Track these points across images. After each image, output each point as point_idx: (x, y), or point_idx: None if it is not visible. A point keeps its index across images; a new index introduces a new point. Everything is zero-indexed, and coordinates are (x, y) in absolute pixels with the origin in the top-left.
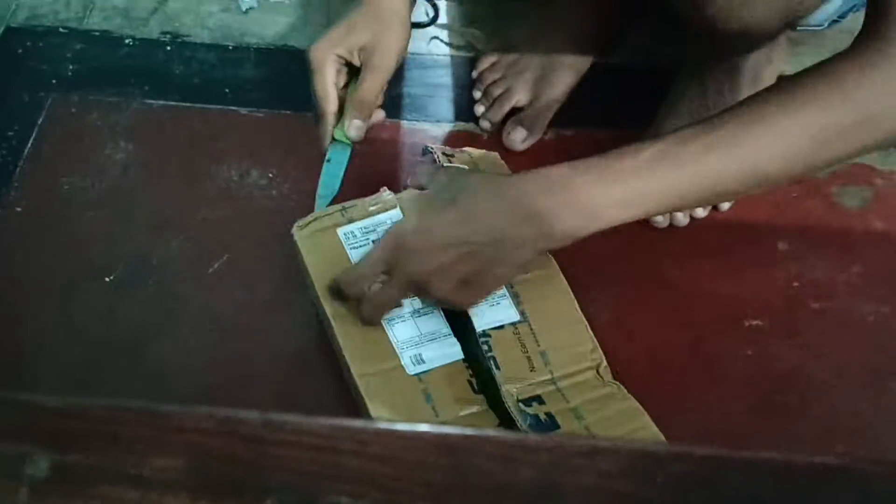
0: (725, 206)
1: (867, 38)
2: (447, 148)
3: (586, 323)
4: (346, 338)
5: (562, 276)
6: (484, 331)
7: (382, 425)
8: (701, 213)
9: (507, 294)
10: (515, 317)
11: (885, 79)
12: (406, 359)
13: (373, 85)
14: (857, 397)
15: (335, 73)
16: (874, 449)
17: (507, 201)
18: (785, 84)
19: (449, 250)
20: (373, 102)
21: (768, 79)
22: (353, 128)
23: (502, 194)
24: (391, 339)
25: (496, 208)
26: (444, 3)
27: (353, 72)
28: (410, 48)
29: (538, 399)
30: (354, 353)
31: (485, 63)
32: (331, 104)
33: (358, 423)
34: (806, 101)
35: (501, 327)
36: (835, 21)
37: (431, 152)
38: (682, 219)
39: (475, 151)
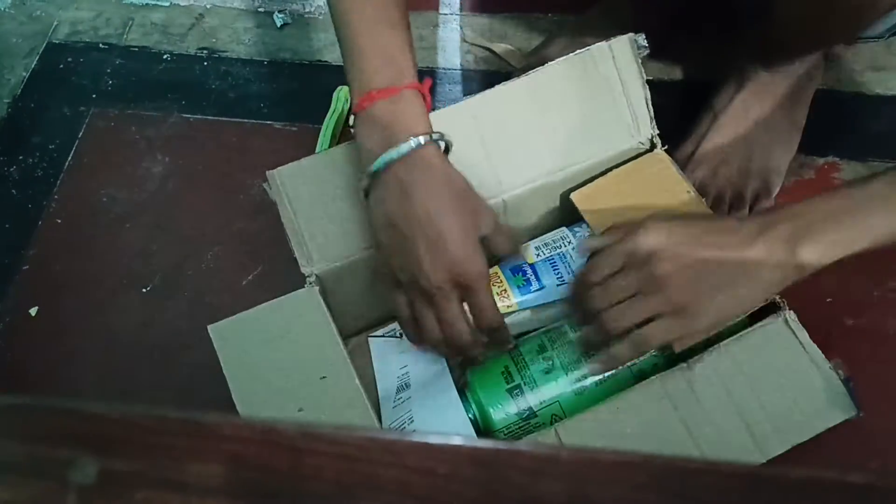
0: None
1: None
2: None
3: None
4: None
5: None
6: None
7: (417, 437)
8: None
9: None
10: None
11: None
12: None
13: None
14: (891, 414)
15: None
16: None
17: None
18: None
19: (700, 252)
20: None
21: (807, 97)
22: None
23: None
24: None
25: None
26: (481, 18)
27: None
28: (443, 63)
29: None
30: None
31: None
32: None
33: (393, 434)
34: None
35: None
36: (894, 34)
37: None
38: None
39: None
